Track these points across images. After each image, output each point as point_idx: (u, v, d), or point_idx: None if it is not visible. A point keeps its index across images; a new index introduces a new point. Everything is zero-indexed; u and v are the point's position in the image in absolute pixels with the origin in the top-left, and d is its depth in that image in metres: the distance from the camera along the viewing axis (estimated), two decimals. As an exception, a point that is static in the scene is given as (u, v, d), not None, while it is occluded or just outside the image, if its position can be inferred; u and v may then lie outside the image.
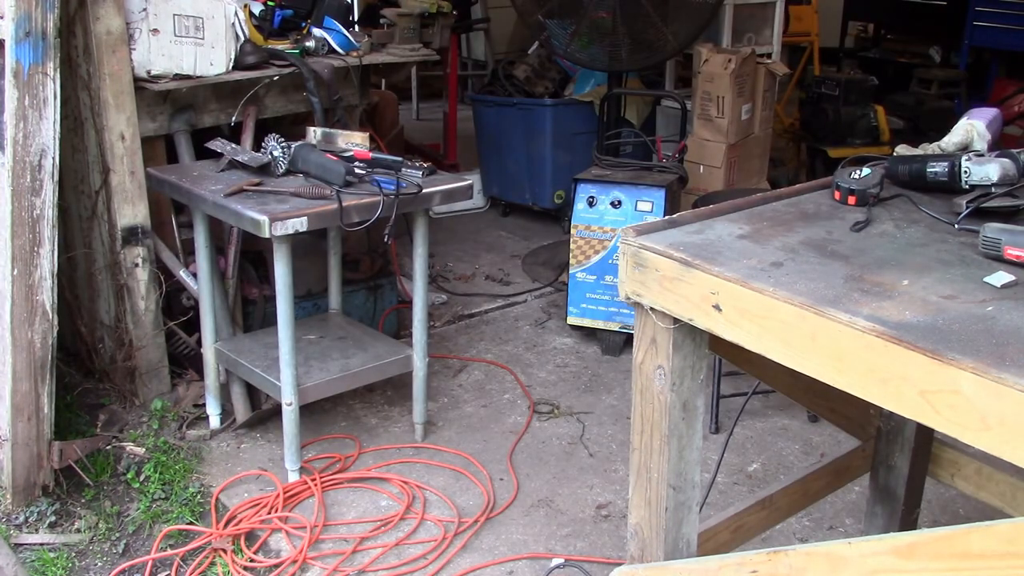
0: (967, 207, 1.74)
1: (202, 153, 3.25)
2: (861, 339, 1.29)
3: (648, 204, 3.87)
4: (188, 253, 3.41)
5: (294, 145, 2.96)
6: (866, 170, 1.87)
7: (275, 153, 2.94)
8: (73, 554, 2.71)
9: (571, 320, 4.06)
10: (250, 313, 3.56)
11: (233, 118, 3.42)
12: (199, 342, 3.33)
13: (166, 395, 3.39)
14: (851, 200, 1.84)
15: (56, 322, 2.80)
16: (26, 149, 2.67)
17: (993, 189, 1.78)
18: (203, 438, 3.25)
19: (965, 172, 1.82)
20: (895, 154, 2.04)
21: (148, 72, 3.15)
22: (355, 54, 3.71)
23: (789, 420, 3.47)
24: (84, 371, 3.54)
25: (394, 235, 2.87)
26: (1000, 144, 2.05)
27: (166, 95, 3.27)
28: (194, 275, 3.30)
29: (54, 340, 2.80)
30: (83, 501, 2.90)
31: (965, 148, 2.01)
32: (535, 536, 2.82)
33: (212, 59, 3.27)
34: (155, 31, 3.13)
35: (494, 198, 5.84)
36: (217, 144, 3.10)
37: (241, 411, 3.31)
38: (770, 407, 3.51)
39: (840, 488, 2.49)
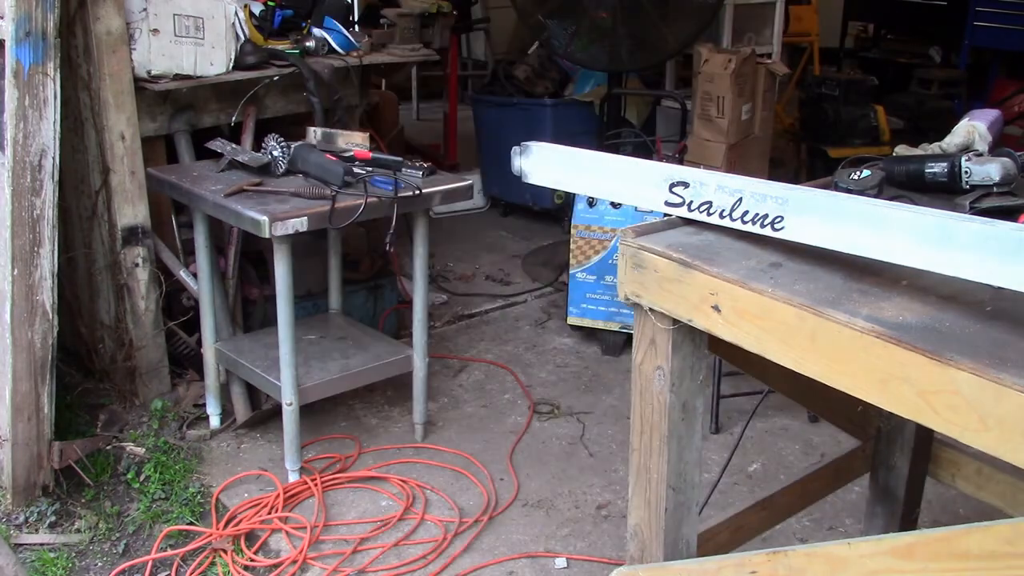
0: (969, 208, 1.73)
1: (202, 153, 3.25)
2: (860, 340, 1.29)
3: (648, 204, 3.86)
4: (188, 253, 3.41)
5: (294, 145, 2.96)
6: (866, 171, 1.87)
7: (275, 153, 2.94)
8: (73, 554, 2.71)
9: (571, 320, 4.06)
10: (250, 313, 3.56)
11: (233, 118, 3.43)
12: (199, 342, 3.33)
13: (166, 395, 3.39)
14: (851, 201, 1.83)
15: (56, 322, 2.80)
16: (26, 149, 2.67)
17: (995, 189, 1.78)
18: (203, 438, 3.25)
19: (966, 172, 1.82)
20: (894, 154, 2.04)
21: (148, 72, 3.15)
22: (355, 54, 3.71)
23: (789, 420, 3.47)
24: (84, 371, 3.54)
25: (395, 241, 2.87)
26: (1000, 144, 2.04)
27: (166, 95, 3.27)
28: (194, 275, 3.30)
29: (54, 340, 2.80)
30: (83, 501, 2.90)
31: (966, 149, 2.00)
32: (535, 536, 2.82)
33: (212, 59, 3.27)
34: (155, 31, 3.13)
35: (494, 198, 5.84)
36: (217, 144, 3.10)
37: (241, 411, 3.31)
38: (770, 407, 3.51)
39: (840, 488, 2.49)
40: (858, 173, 1.87)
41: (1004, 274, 1.27)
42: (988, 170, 1.79)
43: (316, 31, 3.70)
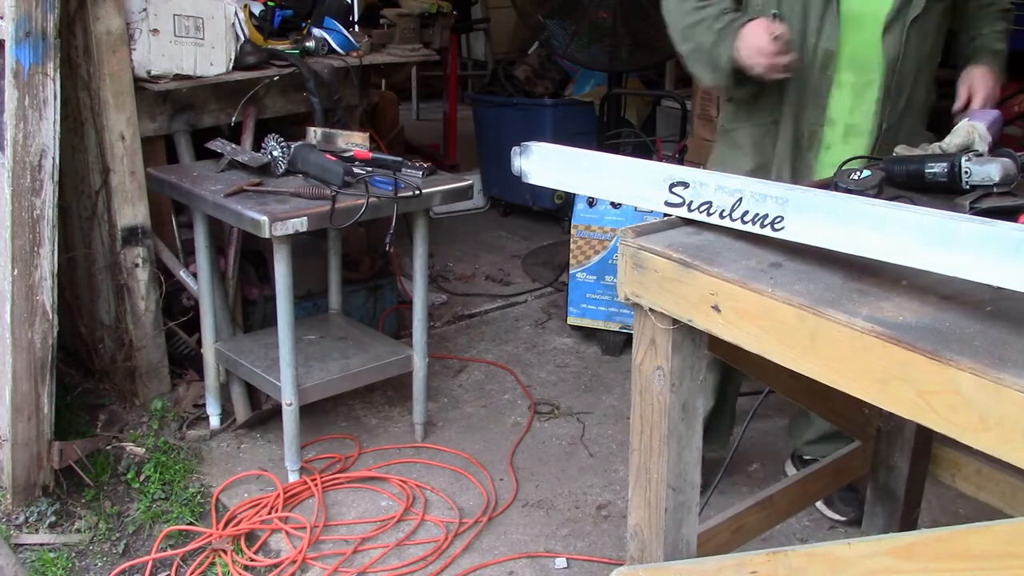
0: (969, 208, 1.73)
1: (202, 153, 3.25)
2: (860, 340, 1.29)
3: (648, 204, 3.86)
4: (188, 253, 3.41)
5: (294, 145, 2.96)
6: (866, 171, 1.87)
7: (275, 153, 2.94)
8: (73, 554, 2.71)
9: (571, 320, 4.06)
10: (250, 313, 3.56)
11: (233, 118, 3.43)
12: (199, 342, 3.33)
13: (166, 395, 3.39)
14: (851, 201, 1.83)
15: (56, 322, 2.80)
16: (26, 149, 2.67)
17: (995, 189, 1.78)
18: (203, 438, 3.25)
19: (966, 172, 1.82)
20: (894, 154, 2.03)
21: (148, 72, 3.15)
22: (355, 54, 3.71)
23: (789, 420, 3.46)
24: (84, 371, 3.54)
25: (395, 241, 2.87)
26: (1000, 144, 2.04)
27: (166, 95, 3.27)
28: (194, 275, 3.30)
29: (54, 340, 2.80)
30: (83, 501, 2.91)
31: (966, 149, 2.00)
32: (535, 536, 2.82)
33: (212, 59, 3.27)
34: (155, 31, 3.13)
35: (494, 198, 5.84)
36: (217, 144, 3.10)
37: (241, 411, 3.31)
38: (770, 407, 3.51)
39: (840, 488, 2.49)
40: (858, 173, 1.87)
41: (1004, 274, 1.27)
42: (988, 170, 1.79)
43: (316, 31, 3.70)
